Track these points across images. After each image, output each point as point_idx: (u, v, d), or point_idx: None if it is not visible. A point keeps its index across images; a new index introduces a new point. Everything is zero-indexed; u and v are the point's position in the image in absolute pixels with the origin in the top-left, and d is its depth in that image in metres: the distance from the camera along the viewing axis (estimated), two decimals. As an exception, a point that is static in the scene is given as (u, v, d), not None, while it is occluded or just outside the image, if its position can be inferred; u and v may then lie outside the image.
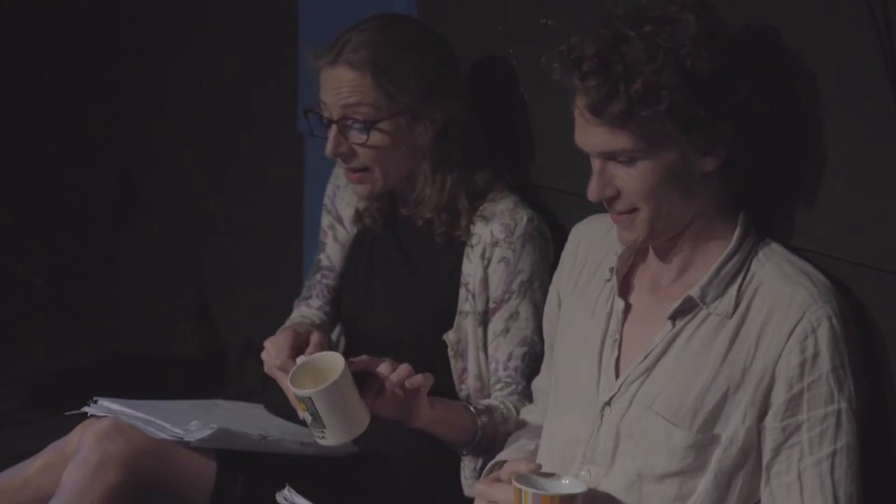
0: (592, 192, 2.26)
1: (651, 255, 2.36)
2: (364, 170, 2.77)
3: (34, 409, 4.23)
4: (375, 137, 2.73)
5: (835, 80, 2.24)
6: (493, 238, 2.74)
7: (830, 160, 2.26)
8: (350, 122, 2.73)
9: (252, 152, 4.31)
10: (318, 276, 3.00)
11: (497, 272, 2.74)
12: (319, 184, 3.05)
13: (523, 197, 2.81)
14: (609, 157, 2.23)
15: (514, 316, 2.74)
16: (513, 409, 2.69)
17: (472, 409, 2.66)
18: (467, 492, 2.75)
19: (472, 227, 2.77)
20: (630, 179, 2.23)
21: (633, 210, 2.25)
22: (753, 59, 2.25)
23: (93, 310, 5.09)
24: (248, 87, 4.26)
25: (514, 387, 2.74)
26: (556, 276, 2.56)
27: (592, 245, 2.47)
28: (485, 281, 2.75)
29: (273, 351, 2.57)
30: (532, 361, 2.72)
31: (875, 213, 2.21)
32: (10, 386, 4.44)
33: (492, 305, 2.75)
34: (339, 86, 2.72)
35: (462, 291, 2.77)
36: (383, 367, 2.47)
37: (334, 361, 2.44)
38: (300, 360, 2.51)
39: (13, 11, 5.23)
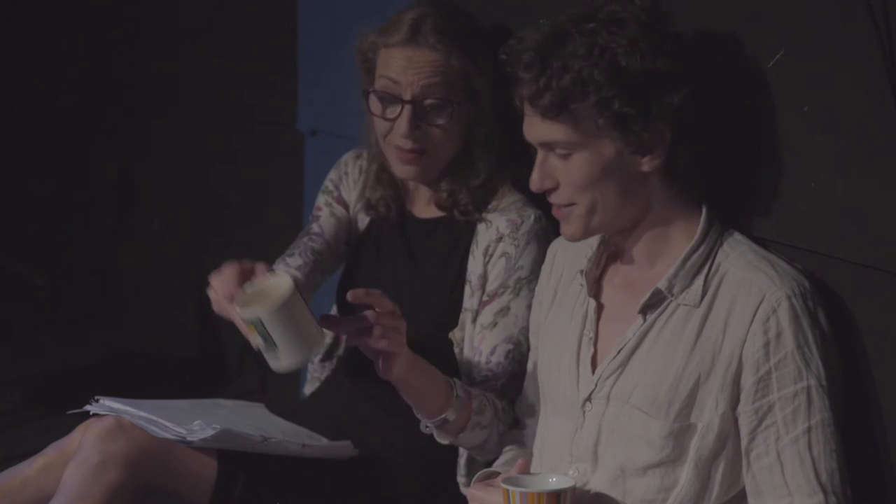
0: (533, 181, 2.34)
1: (620, 255, 2.41)
2: (425, 153, 2.77)
3: (34, 409, 4.23)
4: (453, 117, 2.74)
5: (835, 79, 2.25)
6: (498, 234, 2.75)
7: (830, 160, 2.27)
8: (427, 102, 2.73)
9: (252, 152, 4.31)
10: (304, 239, 2.97)
11: (497, 266, 2.75)
12: (319, 184, 3.04)
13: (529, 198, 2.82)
14: (548, 147, 2.31)
15: (504, 311, 2.74)
16: (489, 403, 2.66)
17: (451, 384, 2.61)
18: (463, 490, 2.76)
19: (478, 224, 2.78)
20: (566, 172, 2.30)
21: (570, 204, 2.32)
22: (698, 66, 2.29)
23: (93, 310, 5.09)
24: (248, 87, 4.26)
25: (493, 382, 2.72)
26: (537, 289, 2.61)
27: (568, 256, 2.52)
28: (483, 276, 2.75)
29: (219, 284, 2.51)
30: (515, 362, 2.71)
31: (874, 212, 2.21)
32: (10, 386, 4.44)
33: (484, 298, 2.76)
34: (422, 65, 2.71)
35: (466, 288, 2.78)
36: (369, 313, 2.44)
37: (283, 282, 2.39)
38: (247, 286, 2.46)
39: (14, 11, 5.23)
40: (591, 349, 2.38)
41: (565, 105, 2.24)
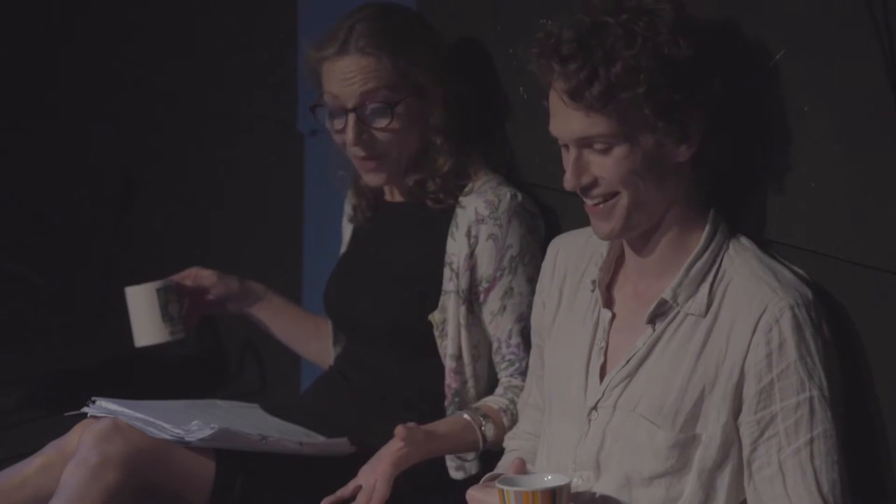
0: (569, 180, 2.28)
1: (630, 262, 2.39)
2: (381, 157, 2.80)
3: (34, 409, 4.23)
4: (397, 119, 2.76)
5: (835, 80, 2.24)
6: (477, 215, 2.76)
7: (830, 160, 2.26)
8: (369, 108, 2.76)
9: (252, 152, 4.31)
10: None
11: (486, 250, 2.76)
12: (319, 184, 3.05)
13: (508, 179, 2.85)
14: (585, 143, 2.26)
15: (509, 292, 2.77)
16: (513, 406, 2.73)
17: (474, 426, 2.71)
18: (453, 474, 2.79)
19: (456, 205, 2.79)
20: (606, 166, 2.25)
21: (613, 195, 2.27)
22: (725, 53, 2.29)
23: (93, 310, 5.09)
24: (248, 87, 4.26)
25: (517, 365, 2.77)
26: (538, 286, 2.59)
27: (571, 255, 2.50)
28: (471, 259, 2.77)
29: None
30: (528, 335, 2.72)
31: (874, 212, 2.21)
32: (10, 386, 4.44)
33: (485, 285, 2.78)
34: (352, 75, 2.75)
35: (446, 271, 2.79)
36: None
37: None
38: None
39: (14, 12, 5.23)
40: (602, 358, 2.37)
41: (614, 94, 2.20)
